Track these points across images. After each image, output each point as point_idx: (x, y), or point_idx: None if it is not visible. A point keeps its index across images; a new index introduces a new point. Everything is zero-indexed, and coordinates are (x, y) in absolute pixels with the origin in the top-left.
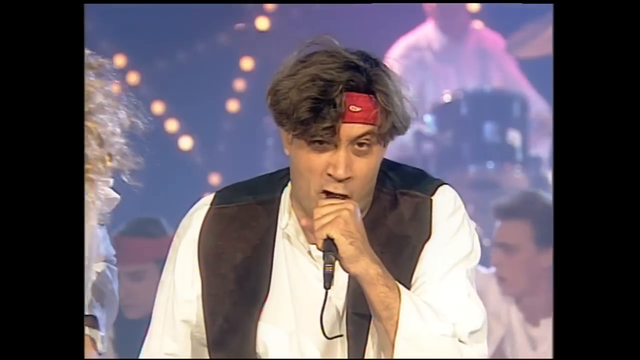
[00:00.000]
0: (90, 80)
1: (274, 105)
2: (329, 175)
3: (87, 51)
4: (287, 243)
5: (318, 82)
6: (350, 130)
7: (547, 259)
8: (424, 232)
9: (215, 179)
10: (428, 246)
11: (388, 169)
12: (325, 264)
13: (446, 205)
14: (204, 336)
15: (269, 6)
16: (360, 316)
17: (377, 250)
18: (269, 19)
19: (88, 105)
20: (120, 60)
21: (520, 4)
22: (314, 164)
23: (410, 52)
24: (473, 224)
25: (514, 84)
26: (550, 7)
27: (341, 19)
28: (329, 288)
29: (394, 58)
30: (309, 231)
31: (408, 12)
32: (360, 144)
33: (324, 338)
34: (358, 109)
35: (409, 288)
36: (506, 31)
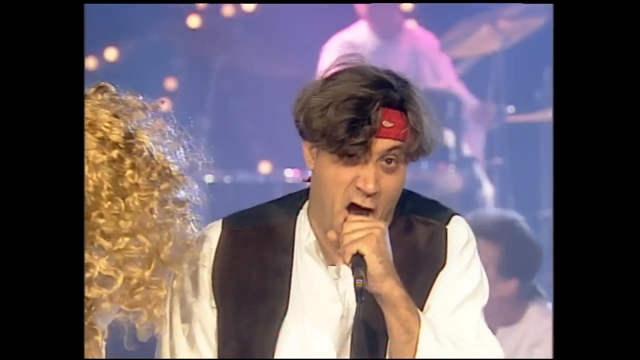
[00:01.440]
0: (149, 125)
1: (307, 123)
2: (358, 188)
3: (140, 97)
4: (305, 261)
5: (354, 100)
6: (381, 144)
7: (503, 288)
8: (439, 261)
9: None
10: (442, 276)
11: (402, 195)
12: (355, 278)
13: (460, 236)
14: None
15: (201, 4)
16: (367, 335)
17: None
18: (200, 17)
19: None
20: None
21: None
22: (343, 177)
23: (346, 48)
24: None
25: (448, 84)
26: (480, 7)
27: (273, 18)
28: (362, 302)
29: (330, 50)
30: (333, 246)
31: (341, 13)
32: (389, 161)
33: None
34: (391, 125)
35: (421, 308)
36: (440, 30)
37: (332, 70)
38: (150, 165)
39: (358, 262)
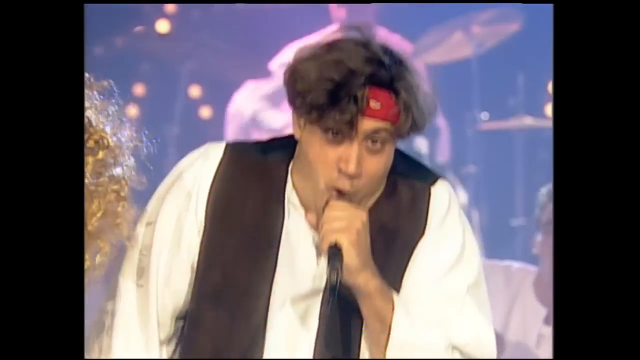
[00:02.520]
0: (95, 103)
1: (291, 84)
2: (340, 170)
3: (86, 75)
4: (292, 214)
5: (341, 67)
6: (367, 124)
7: None
8: (419, 227)
9: None
10: (421, 246)
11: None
12: (330, 271)
13: (443, 200)
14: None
15: (169, 8)
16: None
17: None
18: (170, 22)
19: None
20: None
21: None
22: (327, 157)
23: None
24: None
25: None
26: (453, 13)
27: (243, 20)
28: (334, 297)
29: (290, 52)
30: (312, 226)
31: (313, 15)
32: (374, 141)
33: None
34: (378, 106)
35: (397, 282)
36: (412, 37)
37: (332, 38)
38: (87, 132)
39: (334, 253)
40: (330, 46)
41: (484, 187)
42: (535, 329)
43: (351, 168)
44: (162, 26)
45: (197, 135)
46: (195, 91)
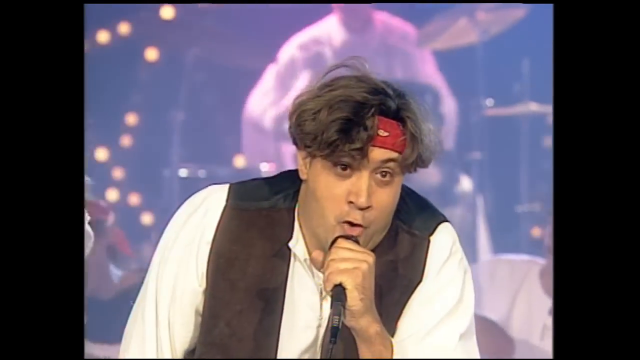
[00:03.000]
0: None
1: (299, 126)
2: (350, 202)
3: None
4: (297, 265)
5: (350, 102)
6: (377, 154)
7: None
8: (416, 276)
9: (118, 174)
10: (416, 295)
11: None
12: (332, 314)
13: (442, 250)
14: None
15: None
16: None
17: None
18: (174, 8)
19: None
20: None
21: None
22: (335, 191)
23: (310, 46)
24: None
25: (426, 76)
26: None
27: (248, 10)
28: (335, 343)
29: (293, 49)
30: (317, 264)
31: (316, 5)
32: (384, 174)
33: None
34: (386, 134)
35: (392, 328)
36: (417, 23)
37: (331, 75)
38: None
39: (338, 294)
40: (329, 85)
41: (489, 173)
42: (541, 320)
43: (362, 200)
44: (167, 12)
45: (201, 121)
46: (199, 77)
